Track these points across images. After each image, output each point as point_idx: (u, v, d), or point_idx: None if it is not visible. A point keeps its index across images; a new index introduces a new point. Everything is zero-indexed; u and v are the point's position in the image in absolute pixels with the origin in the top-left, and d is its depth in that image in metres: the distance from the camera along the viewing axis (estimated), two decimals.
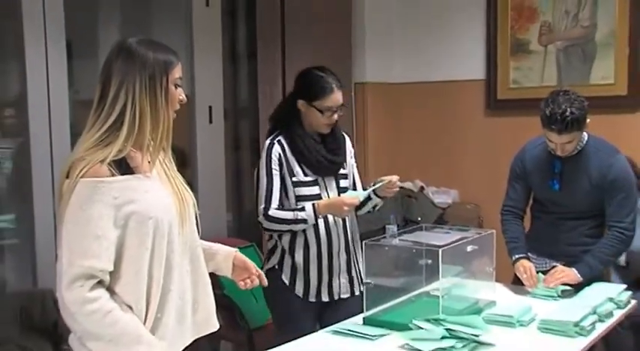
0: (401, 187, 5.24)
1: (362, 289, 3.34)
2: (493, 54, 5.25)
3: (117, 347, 2.07)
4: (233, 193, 5.08)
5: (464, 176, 5.43)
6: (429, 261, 2.89)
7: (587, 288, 3.35)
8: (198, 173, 4.73)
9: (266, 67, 4.90)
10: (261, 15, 4.96)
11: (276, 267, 3.32)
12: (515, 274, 3.51)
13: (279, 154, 3.25)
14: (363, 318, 3.00)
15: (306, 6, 5.00)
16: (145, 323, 2.12)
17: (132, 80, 2.11)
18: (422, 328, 2.75)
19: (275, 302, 3.39)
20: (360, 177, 3.54)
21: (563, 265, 3.45)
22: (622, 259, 4.01)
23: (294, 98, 3.30)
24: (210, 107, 4.80)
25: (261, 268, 3.32)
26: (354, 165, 3.48)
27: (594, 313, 3.04)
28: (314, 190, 3.26)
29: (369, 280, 3.00)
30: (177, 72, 2.21)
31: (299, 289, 3.29)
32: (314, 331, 3.07)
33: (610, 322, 3.12)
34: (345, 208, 3.16)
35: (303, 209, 3.18)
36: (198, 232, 2.35)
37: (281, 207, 3.23)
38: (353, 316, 3.09)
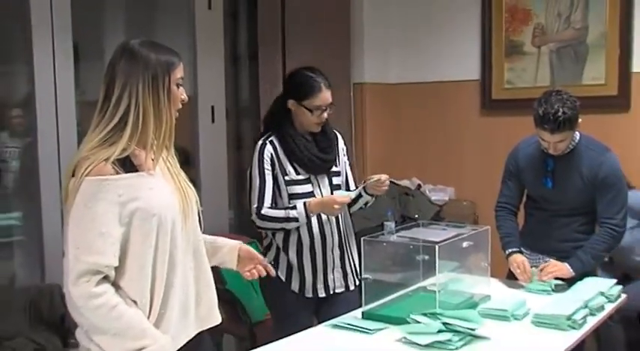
0: (398, 185, 5.32)
1: (357, 283, 3.35)
2: (488, 55, 5.25)
3: (122, 341, 2.07)
4: (235, 190, 5.07)
5: (460, 174, 5.42)
6: (426, 257, 2.88)
7: (579, 282, 3.35)
8: (200, 171, 4.73)
9: (267, 67, 4.90)
10: (262, 17, 4.96)
11: (272, 263, 3.31)
12: (510, 270, 3.51)
13: (271, 154, 3.23)
14: (362, 312, 2.99)
15: (306, 9, 5.00)
16: (149, 317, 2.13)
17: (135, 81, 2.12)
18: (419, 322, 2.74)
19: (272, 298, 3.38)
20: (356, 175, 3.52)
21: (556, 260, 3.45)
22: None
23: (284, 99, 3.29)
24: (212, 107, 4.80)
25: None
26: (347, 162, 3.46)
27: (586, 306, 3.04)
28: (306, 188, 3.25)
29: (367, 276, 2.99)
30: (179, 72, 2.21)
31: (295, 285, 3.28)
32: (311, 326, 3.07)
33: (601, 316, 3.12)
34: (336, 206, 3.14)
35: (294, 208, 3.17)
36: (201, 228, 2.36)
37: (274, 206, 3.22)
38: (348, 310, 3.09)
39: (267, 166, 3.23)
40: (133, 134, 2.12)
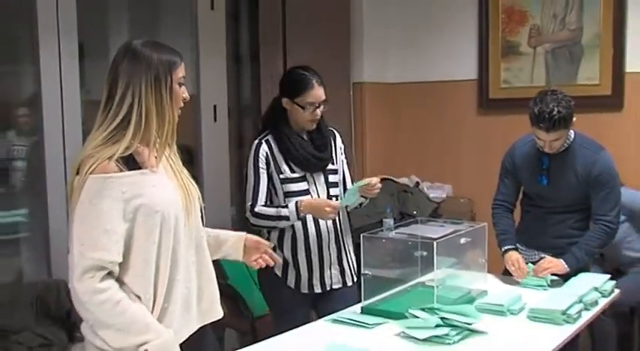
0: (397, 183, 5.31)
1: (354, 280, 3.34)
2: (485, 55, 5.24)
3: (126, 335, 2.07)
4: (237, 187, 5.07)
5: (457, 172, 5.42)
6: (424, 253, 2.88)
7: (573, 278, 3.35)
8: (203, 169, 4.73)
9: (268, 67, 4.90)
10: (264, 18, 4.96)
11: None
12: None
13: (266, 153, 3.23)
14: (361, 307, 2.99)
15: (306, 9, 4.99)
16: (152, 312, 2.13)
17: (138, 81, 2.11)
18: (417, 317, 2.75)
19: (269, 294, 3.38)
20: (353, 173, 3.49)
21: (551, 256, 3.45)
22: None
23: (280, 98, 3.27)
24: (214, 106, 4.80)
25: None
26: (344, 161, 3.43)
27: (580, 301, 3.04)
28: (302, 185, 3.23)
29: (366, 272, 2.99)
30: (180, 71, 2.21)
31: (291, 281, 3.27)
32: (308, 321, 3.06)
33: (595, 311, 3.12)
34: (328, 209, 3.10)
35: (286, 207, 3.15)
36: (203, 225, 2.36)
37: (269, 204, 3.21)
38: (346, 306, 3.08)
39: (262, 164, 3.22)
40: (136, 132, 2.12)
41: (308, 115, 3.21)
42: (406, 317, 2.78)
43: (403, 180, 5.42)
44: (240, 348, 2.66)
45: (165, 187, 2.19)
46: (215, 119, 4.80)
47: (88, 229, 2.05)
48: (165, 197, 2.16)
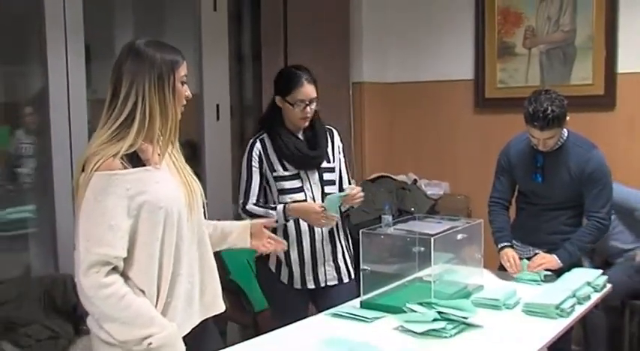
0: (395, 180, 5.30)
1: (351, 276, 3.32)
2: (481, 56, 5.23)
3: (131, 328, 2.08)
4: (238, 184, 5.06)
5: (454, 170, 5.41)
6: (422, 248, 2.87)
7: (567, 273, 3.35)
8: (206, 166, 4.73)
9: (269, 67, 4.88)
10: (265, 19, 4.96)
11: (263, 255, 3.29)
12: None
13: (260, 152, 3.21)
14: (360, 301, 2.98)
15: (307, 11, 4.99)
16: (156, 306, 2.13)
17: (142, 80, 2.11)
18: (415, 311, 2.74)
19: (266, 288, 3.37)
20: (353, 171, 3.46)
21: (545, 252, 3.45)
22: None
23: (275, 97, 3.25)
24: (217, 105, 4.79)
25: (255, 256, 3.33)
26: (342, 159, 3.38)
27: (574, 296, 3.04)
28: (295, 183, 3.21)
29: (365, 267, 2.98)
30: (182, 70, 2.21)
31: (284, 277, 3.26)
32: (306, 316, 3.04)
33: (588, 305, 3.12)
34: (313, 216, 3.08)
35: (275, 208, 3.12)
36: (205, 219, 2.36)
37: (263, 201, 3.19)
38: (343, 302, 3.05)
39: (255, 163, 3.20)
40: (140, 130, 2.11)
41: (298, 113, 3.17)
42: (404, 311, 2.77)
43: (401, 177, 5.41)
44: (242, 341, 2.65)
45: (168, 183, 2.18)
46: (218, 118, 4.79)
47: (94, 225, 2.05)
48: (168, 194, 2.15)
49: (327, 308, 3.02)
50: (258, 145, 3.23)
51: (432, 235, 2.84)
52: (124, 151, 2.08)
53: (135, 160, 2.11)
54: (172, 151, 2.26)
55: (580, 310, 3.03)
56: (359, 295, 3.01)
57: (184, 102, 2.23)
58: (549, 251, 3.43)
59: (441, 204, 5.26)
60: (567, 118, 3.32)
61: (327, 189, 3.25)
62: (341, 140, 3.41)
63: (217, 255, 2.44)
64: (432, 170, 5.47)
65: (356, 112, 5.45)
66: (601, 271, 3.41)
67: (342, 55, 5.31)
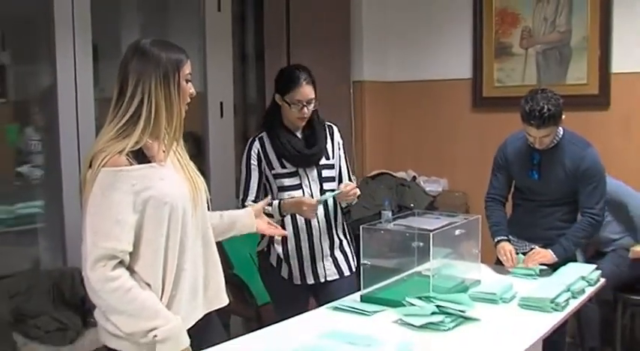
0: (395, 177, 5.30)
1: (353, 270, 3.31)
2: (479, 56, 5.22)
3: (137, 321, 2.08)
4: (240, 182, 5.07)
5: (452, 167, 5.40)
6: (421, 244, 2.87)
7: (562, 268, 3.34)
8: (210, 163, 4.73)
9: (272, 66, 4.89)
10: (268, 20, 4.96)
11: (265, 250, 3.29)
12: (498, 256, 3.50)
13: (258, 150, 3.19)
14: (361, 295, 2.97)
15: (309, 11, 4.99)
16: (161, 299, 2.13)
17: (147, 78, 2.11)
18: (414, 305, 2.73)
19: (267, 282, 3.36)
20: (353, 168, 3.42)
21: (541, 246, 3.44)
22: None
23: (275, 95, 3.22)
24: (221, 103, 4.79)
25: (257, 251, 3.32)
26: (342, 155, 3.35)
27: (568, 290, 3.03)
28: (294, 180, 3.19)
29: (365, 261, 2.97)
30: (187, 68, 2.20)
31: (284, 272, 3.25)
32: (306, 310, 3.03)
33: (582, 299, 3.11)
34: (304, 208, 3.04)
35: (271, 204, 3.09)
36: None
37: (259, 199, 3.15)
38: (343, 296, 3.04)
39: (254, 161, 3.19)
40: (146, 127, 2.11)
41: (296, 113, 3.14)
42: (403, 305, 2.77)
43: (401, 174, 5.41)
44: (245, 334, 2.65)
45: (173, 180, 2.18)
46: (222, 115, 4.79)
47: (101, 219, 2.05)
48: (173, 190, 2.15)
49: (328, 302, 3.01)
50: (257, 143, 3.22)
51: (431, 231, 2.83)
52: (130, 148, 2.08)
53: (140, 156, 2.11)
54: (177, 149, 2.26)
55: (574, 303, 3.02)
56: (359, 289, 3.01)
57: (189, 100, 2.23)
58: (545, 246, 3.42)
59: (440, 200, 5.26)
60: (563, 116, 3.32)
61: (325, 186, 3.22)
62: (341, 136, 3.37)
63: (221, 249, 2.44)
64: (431, 167, 5.47)
65: (356, 110, 5.44)
66: (595, 266, 3.40)
67: (343, 54, 5.31)
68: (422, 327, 2.61)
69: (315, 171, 3.23)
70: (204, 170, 3.93)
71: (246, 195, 3.18)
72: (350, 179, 3.33)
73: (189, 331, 2.17)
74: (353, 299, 2.99)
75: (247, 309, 4.14)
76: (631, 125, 4.68)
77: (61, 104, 3.92)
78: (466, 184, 5.24)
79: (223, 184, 4.69)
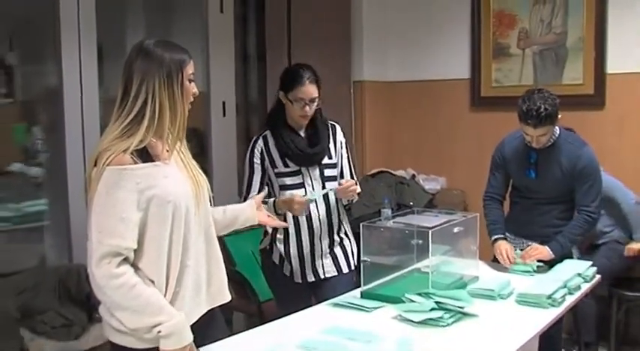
0: (394, 175, 5.29)
1: (352, 268, 3.29)
2: (477, 56, 5.23)
3: (141, 317, 2.07)
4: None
5: (451, 165, 5.40)
6: (420, 241, 2.86)
7: (558, 264, 3.34)
8: (213, 161, 4.73)
9: (274, 67, 4.87)
10: (270, 21, 4.95)
11: (267, 248, 3.27)
12: None
13: (261, 149, 3.17)
14: (361, 292, 2.97)
15: (309, 12, 4.98)
16: (165, 295, 2.12)
17: (152, 78, 2.10)
18: (413, 301, 2.73)
19: (269, 279, 3.35)
20: (357, 167, 3.40)
21: (538, 244, 3.44)
22: None
23: (279, 92, 3.20)
24: (223, 103, 4.79)
25: (259, 249, 3.31)
26: (344, 154, 3.32)
27: (565, 286, 3.03)
28: (296, 179, 3.16)
29: (366, 258, 2.97)
30: (190, 68, 2.20)
31: (286, 270, 3.23)
32: (309, 307, 3.02)
33: (578, 294, 3.11)
34: (295, 206, 3.01)
35: (266, 202, 3.06)
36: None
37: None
38: (341, 293, 3.03)
39: (257, 159, 3.17)
40: (150, 126, 2.11)
41: (298, 111, 3.12)
42: (403, 301, 2.76)
43: (400, 172, 5.40)
44: (248, 330, 2.65)
45: (176, 178, 2.18)
46: (224, 114, 4.79)
47: (105, 217, 2.04)
48: (176, 188, 2.15)
49: (326, 299, 3.00)
50: (260, 142, 3.20)
51: (430, 228, 2.83)
52: (135, 147, 2.08)
53: (144, 155, 2.11)
54: (180, 148, 2.26)
55: (570, 299, 3.02)
56: (358, 286, 3.00)
57: (192, 99, 2.23)
58: (542, 243, 3.42)
59: (439, 198, 5.26)
60: (559, 116, 3.31)
61: (327, 185, 3.20)
62: (344, 135, 3.35)
63: (223, 247, 2.45)
64: (430, 166, 5.46)
65: (357, 109, 5.43)
66: (590, 263, 3.40)
67: (343, 54, 5.30)
68: (421, 323, 2.60)
69: (318, 170, 3.21)
70: (206, 168, 3.93)
71: (247, 193, 3.16)
72: (352, 178, 3.30)
73: (192, 326, 2.16)
74: (353, 295, 2.99)
75: (249, 305, 4.14)
76: (626, 125, 4.68)
77: (66, 104, 3.91)
78: (464, 183, 5.24)
79: (225, 182, 4.69)
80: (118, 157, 2.05)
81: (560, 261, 3.37)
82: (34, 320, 3.53)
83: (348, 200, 3.27)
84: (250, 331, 2.62)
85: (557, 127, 3.41)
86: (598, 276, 3.35)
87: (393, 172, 5.33)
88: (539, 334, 2.70)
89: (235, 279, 3.98)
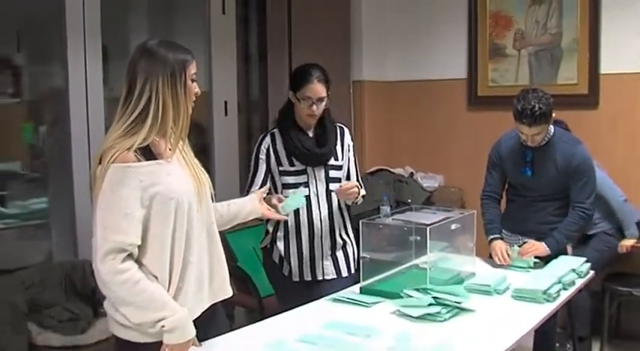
0: (393, 173, 5.29)
1: (351, 271, 3.25)
2: (474, 57, 5.22)
3: (145, 312, 2.07)
4: (245, 177, 5.04)
5: (449, 163, 5.40)
6: (418, 237, 2.85)
7: (554, 260, 3.34)
8: (215, 159, 4.73)
9: (275, 67, 4.88)
10: (271, 22, 4.96)
11: (268, 246, 3.24)
12: None
13: (268, 146, 3.14)
14: (360, 288, 2.97)
15: (310, 13, 4.97)
16: (168, 291, 2.12)
17: (155, 77, 2.10)
18: (411, 297, 2.73)
19: (270, 277, 3.33)
20: (357, 167, 3.36)
21: (534, 240, 3.43)
22: None
23: (289, 91, 3.17)
24: (225, 102, 4.79)
25: (261, 247, 3.30)
26: (351, 158, 3.28)
27: (559, 282, 3.03)
28: (300, 179, 3.12)
29: (365, 255, 2.97)
30: (192, 68, 2.19)
31: (285, 269, 3.21)
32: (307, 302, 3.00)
33: (572, 290, 3.11)
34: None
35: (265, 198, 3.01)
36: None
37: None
38: None
39: (262, 156, 3.14)
40: (154, 124, 2.10)
41: (305, 110, 3.08)
42: (401, 297, 2.76)
43: (399, 170, 5.40)
44: (249, 324, 2.64)
45: (178, 176, 2.17)
46: (226, 114, 4.79)
47: (110, 214, 2.04)
48: (179, 185, 2.14)
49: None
50: (267, 139, 3.17)
51: (428, 225, 2.82)
52: (138, 145, 2.07)
53: (148, 153, 2.11)
54: (183, 147, 2.25)
55: (565, 295, 3.02)
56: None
57: (194, 98, 2.22)
58: (538, 240, 3.41)
59: (436, 196, 5.25)
60: (553, 115, 3.31)
61: (331, 186, 3.15)
62: (352, 139, 3.30)
63: (225, 243, 2.44)
64: (428, 164, 5.46)
65: (356, 109, 5.42)
66: (584, 258, 3.40)
67: (343, 54, 5.29)
68: (419, 318, 2.60)
69: (323, 171, 3.16)
70: (208, 166, 3.92)
71: (250, 187, 3.13)
72: (358, 181, 3.24)
73: (195, 321, 2.16)
74: (352, 291, 2.98)
75: (251, 300, 4.13)
76: (619, 124, 4.68)
77: (72, 103, 3.92)
78: (462, 180, 5.23)
79: (227, 180, 4.69)
80: (122, 155, 2.05)
81: (556, 257, 3.37)
82: (42, 314, 3.54)
83: (351, 202, 3.22)
84: (251, 325, 2.62)
85: (551, 126, 3.40)
86: (592, 272, 3.35)
87: (391, 170, 5.33)
88: (535, 328, 2.69)
89: (237, 275, 3.98)
